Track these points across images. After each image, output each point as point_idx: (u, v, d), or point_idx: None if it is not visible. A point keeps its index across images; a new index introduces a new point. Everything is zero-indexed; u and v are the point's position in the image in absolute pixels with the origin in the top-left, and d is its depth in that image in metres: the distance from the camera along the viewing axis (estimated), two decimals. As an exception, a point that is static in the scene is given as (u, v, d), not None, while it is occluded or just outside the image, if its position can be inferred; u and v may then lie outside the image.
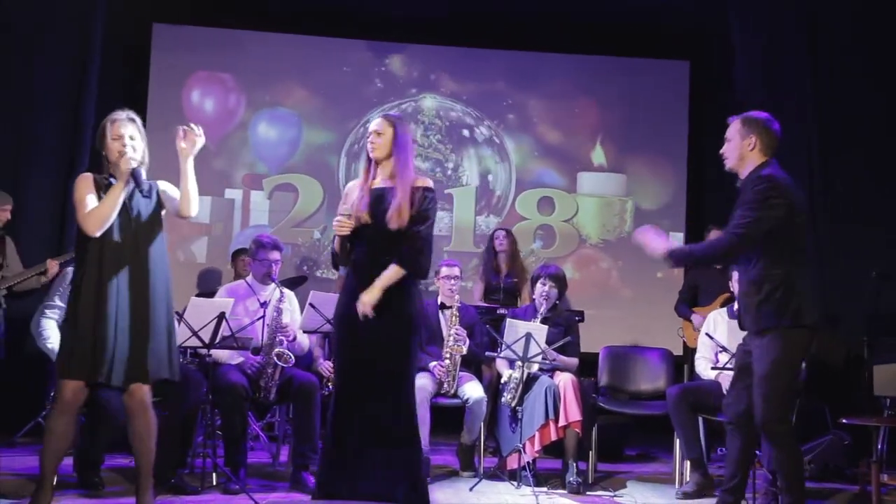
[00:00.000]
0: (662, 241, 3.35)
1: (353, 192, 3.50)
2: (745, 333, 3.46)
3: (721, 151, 3.47)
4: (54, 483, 3.21)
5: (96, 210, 3.14)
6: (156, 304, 3.19)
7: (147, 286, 3.17)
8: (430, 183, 3.53)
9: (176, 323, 3.34)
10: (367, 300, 3.37)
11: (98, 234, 3.13)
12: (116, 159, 3.18)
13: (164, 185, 3.36)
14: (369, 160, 3.50)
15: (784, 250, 3.28)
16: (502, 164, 6.90)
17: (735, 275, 4.11)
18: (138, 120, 3.29)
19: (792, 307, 3.24)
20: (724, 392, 3.96)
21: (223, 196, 6.63)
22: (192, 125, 3.22)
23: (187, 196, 3.23)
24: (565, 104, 6.90)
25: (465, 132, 6.89)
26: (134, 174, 3.15)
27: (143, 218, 3.24)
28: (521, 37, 6.72)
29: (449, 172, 6.87)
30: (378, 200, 3.39)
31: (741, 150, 3.39)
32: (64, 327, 3.20)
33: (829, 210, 5.60)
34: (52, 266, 4.60)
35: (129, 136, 3.21)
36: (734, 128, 3.43)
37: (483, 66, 6.87)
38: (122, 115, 3.25)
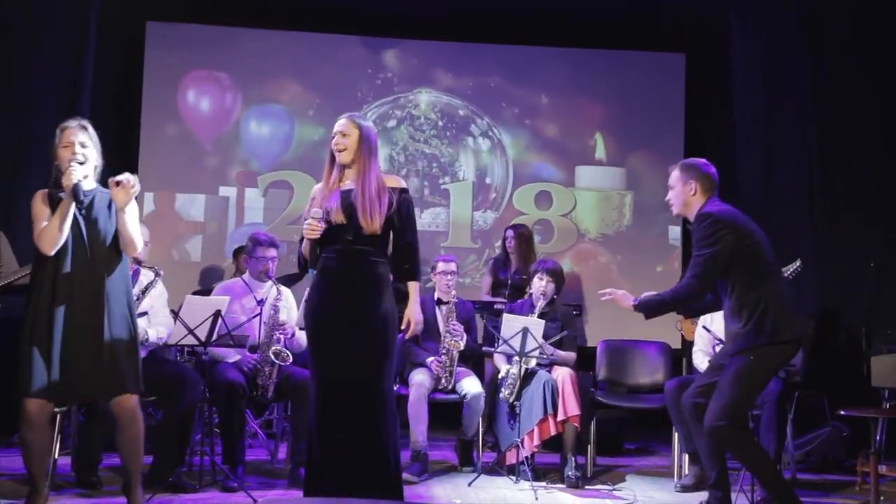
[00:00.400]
0: (629, 298, 3.59)
1: (320, 195, 3.38)
2: None
3: (666, 199, 3.65)
4: (47, 484, 3.21)
5: (45, 229, 3.10)
6: (114, 319, 3.14)
7: (102, 301, 3.12)
8: (403, 183, 3.46)
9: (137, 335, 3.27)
10: (415, 318, 3.36)
11: (52, 253, 3.10)
12: (65, 168, 3.14)
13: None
14: (333, 161, 3.38)
15: (749, 274, 3.40)
16: (499, 159, 6.86)
17: None
18: (90, 128, 3.25)
19: (768, 327, 3.33)
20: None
21: (217, 194, 6.58)
22: (127, 175, 3.15)
23: (125, 240, 3.18)
24: (562, 98, 6.86)
25: (462, 127, 6.84)
26: (74, 190, 3.09)
27: (100, 231, 3.19)
28: (517, 32, 6.69)
29: (445, 167, 6.83)
30: (347, 202, 3.29)
31: (684, 197, 3.58)
32: (21, 344, 3.11)
33: (829, 208, 5.60)
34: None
35: (79, 144, 3.17)
36: (674, 176, 3.61)
37: (478, 61, 6.83)
38: (72, 122, 3.22)
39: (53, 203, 3.15)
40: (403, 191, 3.39)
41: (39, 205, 3.15)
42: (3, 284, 4.54)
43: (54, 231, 3.08)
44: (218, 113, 6.61)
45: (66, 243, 3.12)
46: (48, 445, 3.20)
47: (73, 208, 3.11)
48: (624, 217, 6.85)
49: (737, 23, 5.87)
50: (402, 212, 3.35)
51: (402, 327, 3.38)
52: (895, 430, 4.43)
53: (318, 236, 3.27)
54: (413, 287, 3.40)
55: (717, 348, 4.40)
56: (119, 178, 3.13)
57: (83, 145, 3.17)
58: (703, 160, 3.63)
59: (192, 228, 6.47)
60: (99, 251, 3.17)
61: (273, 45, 6.63)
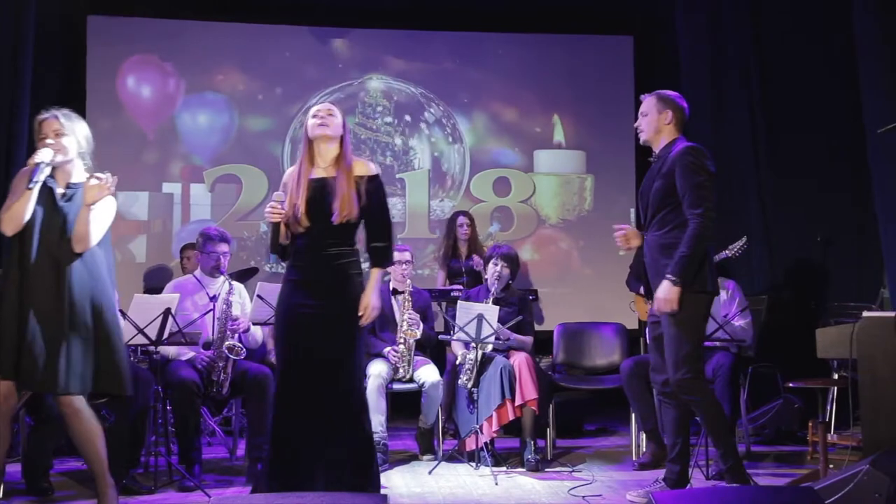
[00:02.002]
0: (664, 287, 3.39)
1: (291, 181, 3.33)
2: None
3: (636, 125, 3.63)
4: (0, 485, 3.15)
5: (7, 208, 3.08)
6: (75, 316, 3.09)
7: (64, 295, 3.08)
8: (374, 169, 3.38)
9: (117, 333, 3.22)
10: (372, 303, 3.26)
11: (10, 233, 3.08)
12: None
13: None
14: (309, 144, 3.31)
15: None
16: (455, 146, 6.77)
17: None
18: (68, 116, 3.22)
19: (701, 275, 3.42)
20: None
21: (161, 191, 6.39)
22: (108, 176, 3.14)
23: (78, 234, 3.13)
24: (516, 83, 6.78)
25: (415, 113, 6.72)
26: (32, 171, 3.06)
27: (70, 223, 3.15)
28: (466, 19, 6.65)
29: (399, 156, 6.73)
30: (319, 191, 3.25)
31: (658, 124, 3.57)
32: None
33: (774, 179, 5.67)
34: None
35: (53, 132, 3.15)
36: (650, 103, 3.60)
37: (428, 47, 6.75)
38: (46, 113, 3.20)
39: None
40: (373, 178, 3.31)
41: (15, 184, 3.14)
42: None
43: (16, 211, 3.06)
44: (159, 104, 6.40)
45: (33, 227, 3.08)
46: (5, 441, 3.14)
47: (36, 189, 3.06)
48: (585, 201, 6.82)
49: (680, 2, 5.91)
50: (373, 200, 3.28)
51: (360, 313, 3.28)
52: (845, 400, 4.52)
53: (279, 220, 3.21)
54: (375, 273, 3.32)
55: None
56: (100, 175, 3.13)
57: (57, 133, 3.15)
58: (678, 94, 3.64)
59: (134, 228, 6.29)
60: (66, 244, 3.13)
61: (217, 36, 6.48)
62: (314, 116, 3.30)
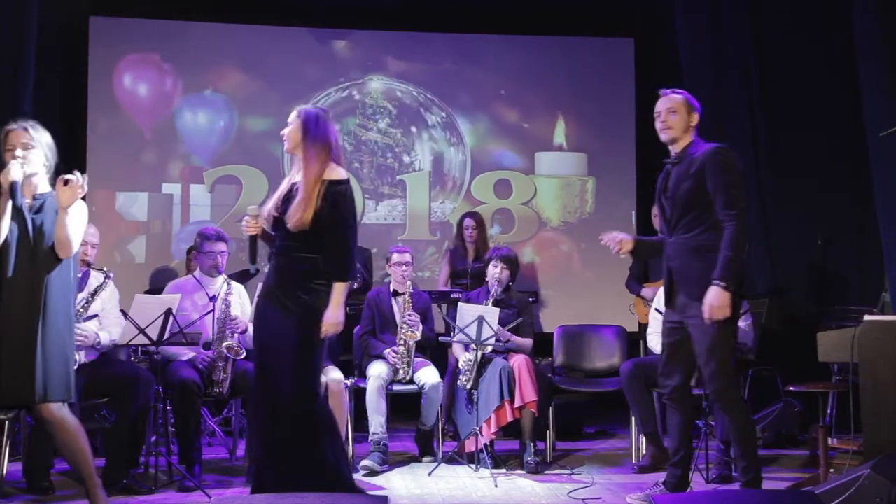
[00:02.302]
0: (714, 294, 3.25)
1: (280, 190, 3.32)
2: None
3: (662, 121, 3.51)
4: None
5: None
6: (50, 326, 3.10)
7: (39, 306, 3.09)
8: (339, 174, 3.20)
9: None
10: (330, 320, 3.17)
11: None
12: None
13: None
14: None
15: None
16: (456, 147, 6.76)
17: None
18: (36, 128, 3.23)
19: (737, 276, 3.31)
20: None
21: (160, 191, 6.36)
22: (77, 175, 3.13)
23: (60, 240, 3.13)
24: (517, 85, 6.77)
25: (416, 114, 6.71)
26: (12, 188, 3.08)
27: (46, 235, 3.16)
28: (466, 21, 6.63)
29: (400, 157, 6.71)
30: (287, 197, 3.21)
31: (687, 124, 3.50)
32: None
33: (774, 179, 5.67)
34: None
35: (22, 145, 3.16)
36: (679, 102, 3.50)
37: (430, 49, 6.74)
38: (14, 125, 3.21)
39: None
40: (335, 182, 3.18)
41: None
42: None
43: None
44: (159, 104, 6.39)
45: (9, 243, 3.08)
46: None
47: (9, 207, 3.07)
48: (587, 203, 6.79)
49: (680, 3, 5.91)
50: (328, 205, 3.15)
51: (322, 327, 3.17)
52: (846, 404, 4.52)
53: (255, 233, 3.21)
54: (337, 288, 3.18)
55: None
56: (68, 176, 3.11)
57: (25, 146, 3.16)
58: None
59: (134, 229, 6.23)
60: (43, 255, 3.13)
61: (217, 37, 6.46)
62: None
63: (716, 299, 3.26)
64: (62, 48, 6.11)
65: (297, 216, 3.13)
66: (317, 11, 6.52)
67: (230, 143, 6.47)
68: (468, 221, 5.81)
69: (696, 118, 3.50)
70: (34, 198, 3.22)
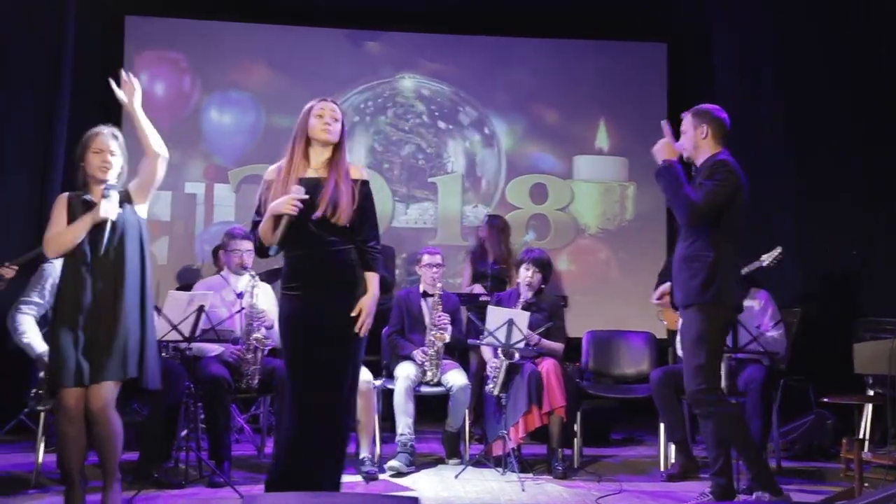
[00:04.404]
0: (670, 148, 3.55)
1: (280, 180, 3.19)
2: None
3: (677, 144, 3.65)
4: (82, 483, 3.28)
5: (58, 236, 3.21)
6: (127, 313, 3.21)
7: (121, 295, 3.20)
8: (365, 174, 3.33)
9: (151, 331, 3.33)
10: (368, 309, 3.19)
11: (52, 256, 3.27)
12: (94, 172, 3.25)
13: (131, 186, 3.38)
14: (307, 144, 3.23)
15: (716, 233, 3.48)
16: (490, 149, 6.59)
17: None
18: (120, 136, 3.34)
19: (714, 287, 3.45)
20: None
21: (184, 191, 6.28)
22: (124, 73, 3.28)
23: (144, 138, 3.29)
24: (556, 86, 6.62)
25: (450, 114, 6.56)
26: (104, 195, 3.20)
27: (124, 230, 3.26)
28: (496, 24, 6.56)
29: (432, 159, 6.58)
30: (311, 191, 3.14)
31: (695, 140, 3.61)
32: (50, 340, 3.27)
33: (808, 190, 5.61)
34: (7, 273, 4.49)
35: (109, 153, 3.26)
36: (686, 121, 3.64)
37: (463, 51, 6.63)
38: (105, 129, 3.31)
39: (72, 210, 3.24)
40: (365, 183, 3.28)
41: (59, 209, 3.25)
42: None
43: (65, 241, 3.19)
44: (185, 103, 6.33)
45: (85, 243, 3.19)
46: (83, 442, 3.23)
47: (90, 223, 3.19)
48: (626, 210, 6.60)
49: (717, 13, 5.88)
50: (363, 205, 3.22)
51: (355, 314, 3.17)
52: (880, 416, 4.45)
53: (295, 212, 3.09)
54: (374, 278, 3.24)
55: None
56: (122, 79, 3.28)
57: (112, 153, 3.27)
58: (716, 106, 3.66)
59: (156, 229, 6.05)
60: (118, 249, 3.23)
61: (245, 36, 6.41)
62: (319, 117, 3.22)
63: (666, 148, 3.56)
64: (101, 44, 6.16)
65: (348, 211, 3.15)
66: (350, 14, 6.49)
67: (257, 141, 6.39)
68: (485, 220, 5.81)
69: (704, 131, 3.56)
70: (102, 195, 3.27)
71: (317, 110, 3.24)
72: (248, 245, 4.41)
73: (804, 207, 5.63)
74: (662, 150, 3.57)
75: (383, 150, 6.55)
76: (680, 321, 4.38)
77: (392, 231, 6.41)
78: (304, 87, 6.37)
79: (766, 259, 4.53)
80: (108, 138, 3.28)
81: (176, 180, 6.22)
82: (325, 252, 3.17)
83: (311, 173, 3.21)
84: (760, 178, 5.53)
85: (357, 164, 3.37)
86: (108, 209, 3.19)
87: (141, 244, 3.30)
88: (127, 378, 3.21)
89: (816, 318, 5.35)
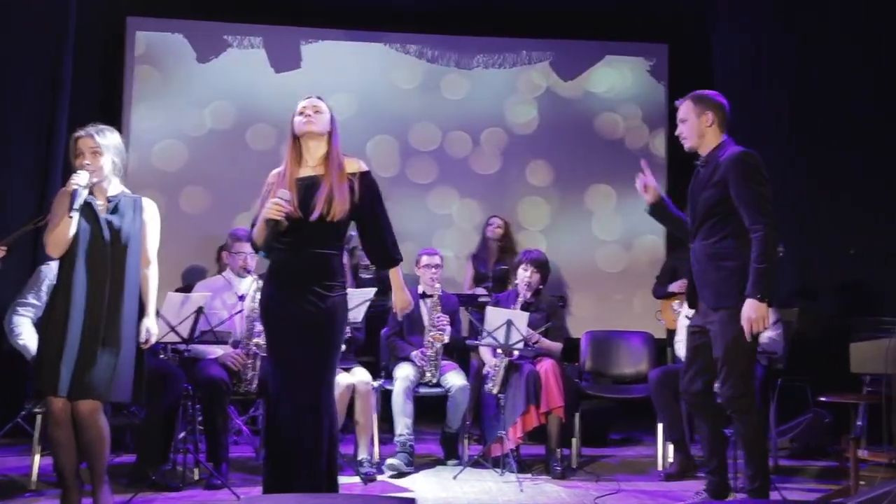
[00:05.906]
0: (752, 307, 3.19)
1: (278, 182, 3.15)
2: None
3: (677, 133, 3.49)
4: (78, 486, 3.28)
5: (50, 232, 3.20)
6: (125, 324, 3.21)
7: (119, 306, 3.20)
8: (364, 165, 3.22)
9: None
10: (405, 303, 3.25)
11: (56, 255, 3.22)
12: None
13: (146, 205, 3.39)
14: (295, 141, 3.17)
15: (745, 231, 3.27)
16: None
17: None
18: (102, 133, 3.28)
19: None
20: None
21: None
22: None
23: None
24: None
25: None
26: (72, 196, 3.13)
27: (120, 237, 3.25)
28: (499, 24, 6.57)
29: None
30: (307, 190, 3.11)
31: (700, 128, 3.42)
32: (39, 345, 3.25)
33: (808, 187, 5.62)
34: None
35: (89, 152, 3.23)
36: (687, 107, 3.44)
37: (463, 51, 6.63)
38: (82, 131, 3.28)
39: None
40: (364, 175, 3.18)
41: (57, 205, 3.23)
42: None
43: (58, 235, 3.18)
44: (180, 102, 6.30)
45: (83, 245, 3.18)
46: (76, 441, 3.23)
47: (76, 214, 3.15)
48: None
49: (716, 12, 5.88)
50: (366, 199, 3.15)
51: (395, 310, 3.29)
52: (876, 415, 4.45)
53: (282, 217, 3.04)
54: (396, 272, 3.26)
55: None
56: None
57: (94, 151, 3.23)
58: (714, 91, 3.50)
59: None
60: (119, 255, 3.23)
61: (260, 38, 6.42)
62: (300, 113, 3.15)
63: (753, 311, 3.19)
64: (101, 43, 6.16)
65: (339, 208, 3.08)
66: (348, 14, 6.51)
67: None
68: (493, 220, 5.80)
69: (710, 118, 3.39)
70: (108, 200, 3.29)
71: (299, 108, 3.20)
72: (250, 247, 4.40)
73: (803, 207, 5.63)
74: (752, 313, 3.21)
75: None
76: (685, 321, 4.39)
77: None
78: (306, 88, 6.39)
79: None
80: (86, 140, 3.24)
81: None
82: (309, 253, 3.11)
83: (307, 172, 3.17)
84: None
85: (353, 156, 3.25)
86: (76, 180, 3.14)
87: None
88: (111, 401, 3.23)
89: (814, 318, 5.36)
